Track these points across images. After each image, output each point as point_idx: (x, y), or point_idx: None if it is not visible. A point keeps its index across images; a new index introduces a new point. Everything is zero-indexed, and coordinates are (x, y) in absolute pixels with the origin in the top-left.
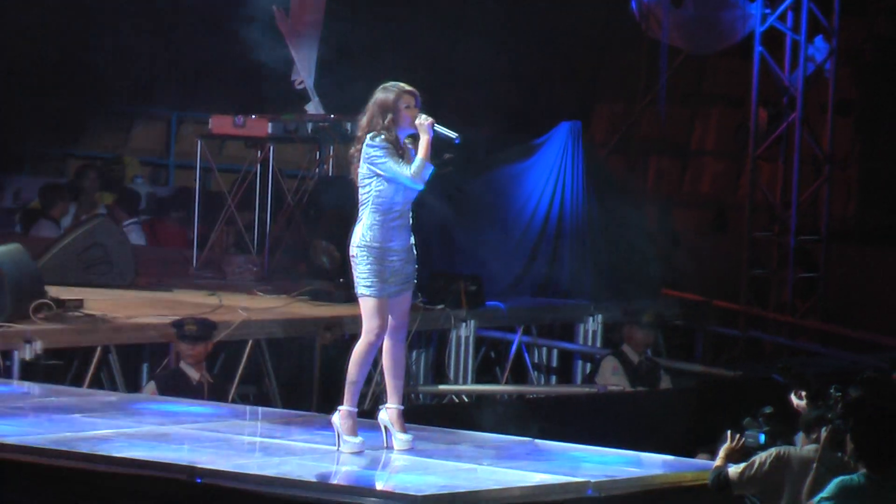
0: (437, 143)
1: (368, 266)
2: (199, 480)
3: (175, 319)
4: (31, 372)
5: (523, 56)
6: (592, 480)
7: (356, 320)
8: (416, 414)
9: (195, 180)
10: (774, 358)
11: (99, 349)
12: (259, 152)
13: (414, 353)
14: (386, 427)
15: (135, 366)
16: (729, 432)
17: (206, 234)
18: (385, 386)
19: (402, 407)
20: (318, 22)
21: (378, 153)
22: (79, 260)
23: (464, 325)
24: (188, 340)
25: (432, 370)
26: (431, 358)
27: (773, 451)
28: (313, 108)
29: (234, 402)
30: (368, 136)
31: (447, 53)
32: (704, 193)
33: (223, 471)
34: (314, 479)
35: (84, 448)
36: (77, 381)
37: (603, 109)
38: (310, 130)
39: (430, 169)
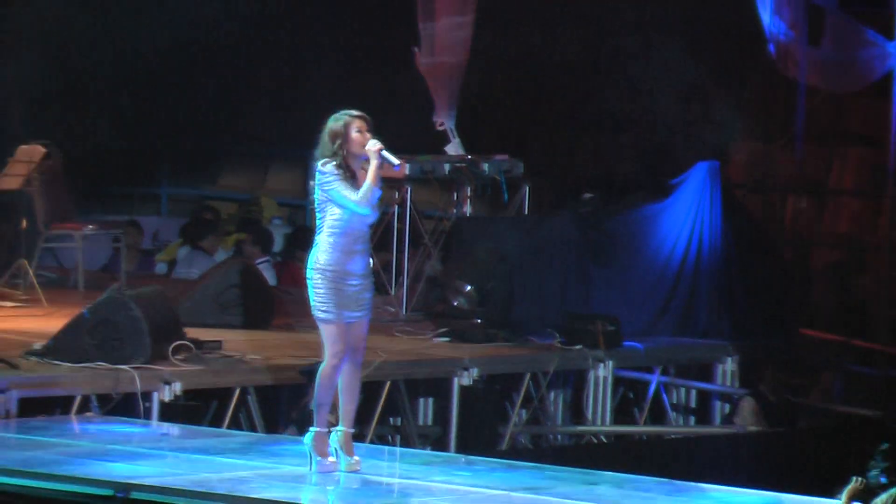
0: (579, 183)
1: (324, 290)
2: None
3: (306, 367)
4: (170, 413)
5: (660, 96)
6: None
7: (495, 361)
8: (555, 454)
9: None
10: None
11: (237, 390)
12: (397, 193)
13: (552, 394)
14: (336, 449)
15: (273, 406)
16: (855, 478)
17: None
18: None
19: (352, 430)
20: (461, 64)
21: (327, 178)
22: (216, 302)
23: (601, 365)
24: None
25: (570, 410)
26: (569, 398)
27: (893, 491)
28: (453, 149)
29: (371, 442)
30: (319, 163)
31: (582, 93)
32: (842, 233)
33: None
34: None
35: (223, 489)
36: (216, 422)
37: (740, 149)
38: (447, 171)
39: (377, 194)
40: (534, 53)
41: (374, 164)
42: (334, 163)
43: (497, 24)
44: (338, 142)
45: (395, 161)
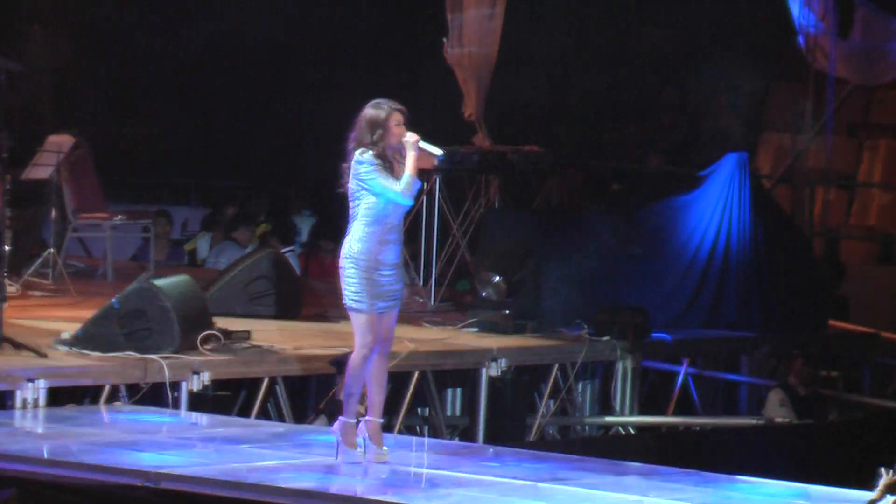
0: (608, 175)
1: (357, 280)
2: None
3: (335, 357)
4: (199, 403)
5: (689, 88)
6: None
7: (523, 352)
8: (583, 445)
9: None
10: None
11: (266, 380)
12: (425, 184)
13: (580, 385)
14: (364, 439)
15: (302, 397)
16: (882, 468)
17: None
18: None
19: (381, 420)
20: (490, 55)
21: (366, 169)
22: (245, 292)
23: (629, 356)
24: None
25: (598, 401)
26: (597, 389)
27: None
28: (481, 139)
29: (400, 433)
30: (357, 151)
31: (612, 84)
32: (871, 225)
33: (389, 502)
34: None
35: (252, 479)
36: (244, 412)
37: (769, 141)
38: (476, 162)
39: (417, 185)
40: (563, 45)
41: (412, 155)
42: (372, 152)
43: (527, 16)
44: (378, 132)
45: (437, 151)
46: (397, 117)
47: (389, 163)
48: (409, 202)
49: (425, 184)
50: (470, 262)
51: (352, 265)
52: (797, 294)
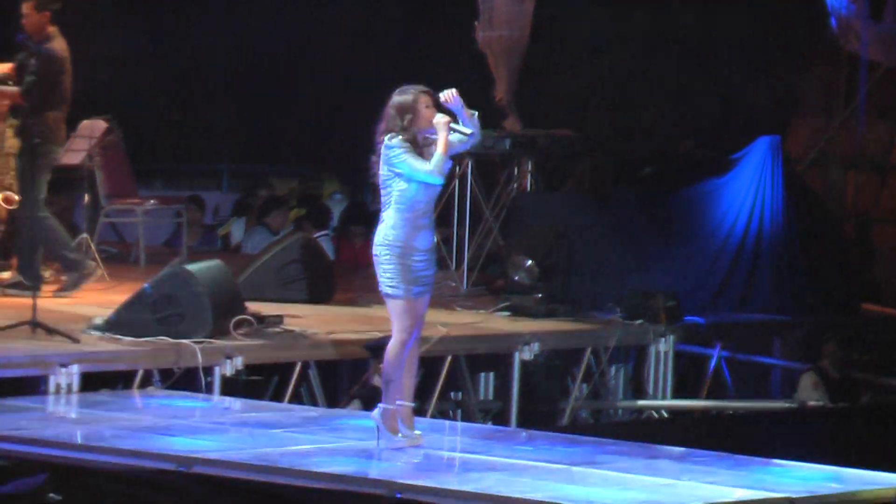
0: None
1: (392, 266)
2: (398, 496)
3: (369, 342)
4: (231, 387)
5: (721, 70)
6: (794, 496)
7: (556, 336)
8: (615, 429)
9: None
10: None
11: (299, 364)
12: (457, 167)
13: (613, 369)
14: (378, 425)
15: (334, 381)
16: None
17: None
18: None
19: (413, 405)
20: (521, 38)
21: (395, 152)
22: (277, 276)
23: (662, 340)
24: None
25: (630, 385)
26: (630, 373)
27: None
28: (511, 123)
29: (432, 417)
30: (386, 137)
31: (644, 68)
32: None
33: (423, 486)
34: (514, 496)
35: (284, 463)
36: (277, 397)
37: (801, 124)
38: (508, 146)
39: (448, 164)
40: (595, 28)
41: (442, 135)
42: (401, 137)
43: None
44: (408, 116)
45: (467, 130)
46: (426, 100)
47: (420, 148)
48: (439, 181)
49: (458, 167)
50: (502, 246)
51: (386, 252)
52: (830, 277)
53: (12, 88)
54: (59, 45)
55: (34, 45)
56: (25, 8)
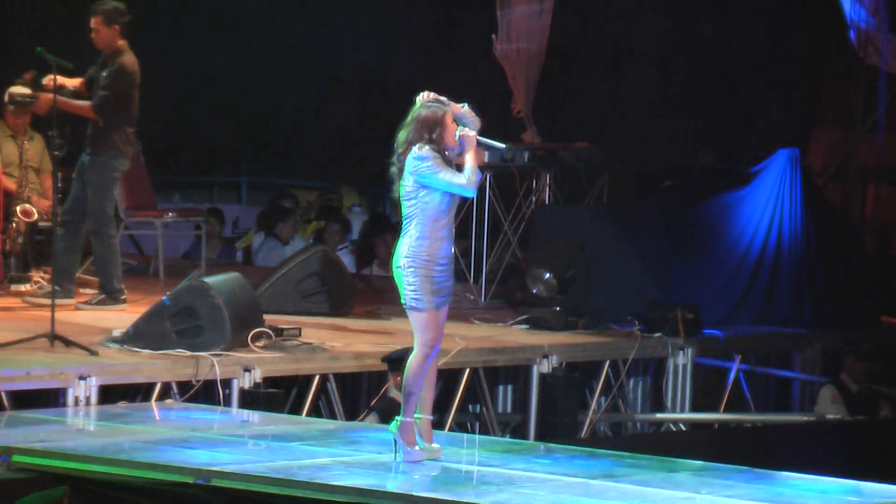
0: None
1: (415, 279)
2: None
3: (388, 355)
4: (250, 400)
5: (740, 83)
6: None
7: (574, 348)
8: (634, 442)
9: None
10: None
11: (317, 377)
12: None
13: (631, 381)
14: (395, 438)
15: (353, 394)
16: None
17: None
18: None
19: (432, 417)
20: (539, 51)
21: (428, 164)
22: (296, 289)
23: (681, 353)
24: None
25: (649, 398)
26: (649, 386)
27: None
28: (530, 136)
29: (451, 430)
30: (414, 147)
31: (661, 81)
32: None
33: (441, 499)
34: None
35: (303, 476)
36: (296, 410)
37: (821, 137)
38: (526, 159)
39: (479, 175)
40: (613, 41)
41: (471, 148)
42: (428, 147)
43: (576, 12)
44: (437, 129)
45: (500, 145)
46: (451, 116)
47: (447, 160)
48: (473, 193)
49: None
50: (521, 259)
51: (410, 264)
52: (849, 290)
53: (84, 103)
54: (129, 59)
55: (104, 58)
56: (94, 22)
